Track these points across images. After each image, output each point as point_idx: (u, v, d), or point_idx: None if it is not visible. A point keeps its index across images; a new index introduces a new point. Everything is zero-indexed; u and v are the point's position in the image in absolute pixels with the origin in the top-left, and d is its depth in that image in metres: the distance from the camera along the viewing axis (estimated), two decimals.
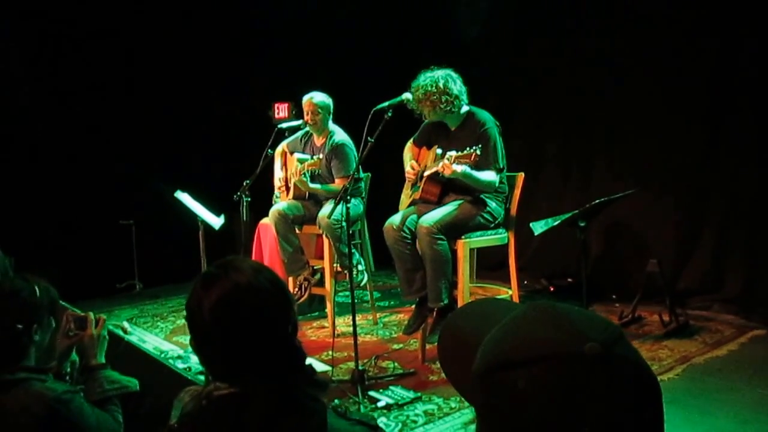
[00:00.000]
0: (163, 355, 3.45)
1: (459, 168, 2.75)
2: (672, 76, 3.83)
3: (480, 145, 2.75)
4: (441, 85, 2.93)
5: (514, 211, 3.15)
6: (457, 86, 2.98)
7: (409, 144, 3.32)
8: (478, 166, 2.83)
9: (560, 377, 0.53)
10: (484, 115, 3.04)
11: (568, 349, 0.54)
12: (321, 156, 3.63)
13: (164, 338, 3.82)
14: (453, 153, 2.78)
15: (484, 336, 0.62)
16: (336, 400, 2.72)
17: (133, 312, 4.43)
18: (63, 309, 1.66)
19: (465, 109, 3.06)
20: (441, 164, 2.80)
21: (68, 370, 1.65)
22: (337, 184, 3.65)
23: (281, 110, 5.14)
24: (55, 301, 1.57)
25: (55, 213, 4.61)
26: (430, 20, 4.99)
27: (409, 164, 3.19)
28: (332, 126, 3.76)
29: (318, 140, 3.80)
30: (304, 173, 3.58)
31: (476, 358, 0.60)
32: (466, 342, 0.65)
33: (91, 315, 1.68)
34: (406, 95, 2.94)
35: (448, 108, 2.96)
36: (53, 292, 1.56)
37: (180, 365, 3.08)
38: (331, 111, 3.74)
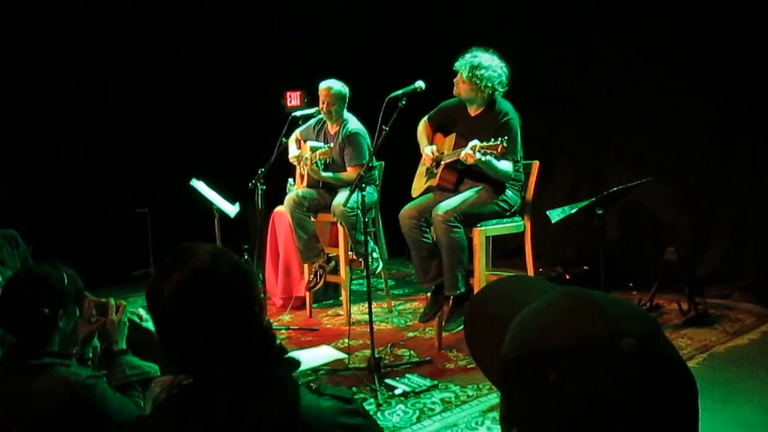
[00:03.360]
0: None
1: (483, 158, 2.73)
2: (689, 64, 3.75)
3: (506, 137, 2.73)
4: (504, 79, 2.97)
5: (529, 198, 3.12)
6: (504, 85, 3.00)
7: (424, 121, 3.27)
8: (499, 157, 2.82)
9: (594, 373, 0.52)
10: (507, 106, 3.02)
11: (604, 344, 0.52)
12: (332, 144, 3.61)
13: None
14: (477, 142, 2.76)
15: (513, 315, 0.60)
16: (354, 388, 2.72)
17: None
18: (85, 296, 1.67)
19: None
20: (464, 153, 2.77)
21: (90, 355, 1.67)
22: (350, 172, 3.63)
23: (293, 98, 5.12)
24: (81, 291, 1.59)
25: (72, 201, 4.64)
26: (442, 7, 4.93)
27: (428, 149, 3.15)
28: (346, 114, 3.73)
29: (332, 128, 3.78)
30: (316, 162, 3.56)
31: (505, 342, 0.58)
32: (494, 321, 0.63)
33: (112, 301, 1.69)
34: (419, 83, 2.91)
35: (485, 96, 2.97)
36: (80, 281, 1.58)
37: None
38: (347, 100, 3.70)
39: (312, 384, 1.01)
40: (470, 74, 2.93)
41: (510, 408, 0.58)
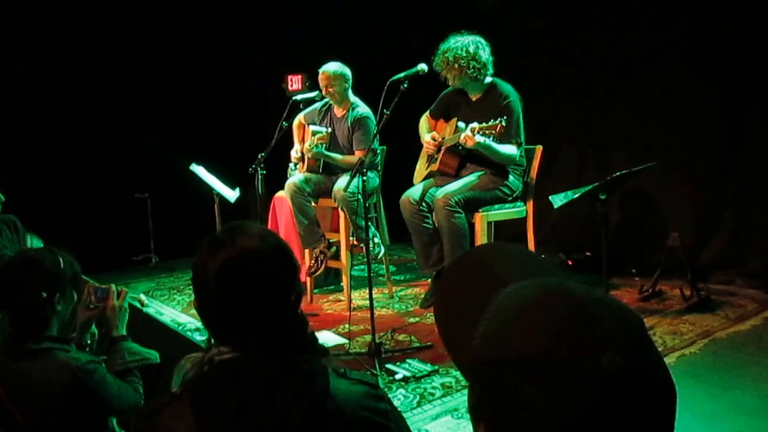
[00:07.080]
0: (180, 328, 3.48)
1: (482, 140, 2.69)
2: (697, 49, 3.69)
3: (505, 117, 2.69)
4: (471, 50, 2.87)
5: (532, 183, 3.10)
6: (486, 54, 2.92)
7: (426, 116, 3.26)
8: (500, 139, 2.77)
9: (570, 390, 0.49)
10: (508, 88, 2.98)
11: (585, 361, 0.50)
12: (330, 130, 3.57)
13: (181, 311, 3.85)
14: (476, 124, 2.72)
15: (490, 294, 0.57)
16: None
17: (150, 285, 4.46)
18: (84, 282, 1.66)
19: (488, 79, 2.99)
20: (463, 135, 2.74)
21: (88, 341, 1.66)
22: (358, 156, 3.60)
23: (294, 82, 5.07)
24: (78, 275, 1.58)
25: (72, 187, 4.63)
26: None
27: (429, 135, 3.13)
28: (354, 98, 3.69)
29: (338, 111, 3.74)
30: (316, 146, 3.54)
31: (479, 333, 0.55)
32: (469, 300, 0.60)
33: (113, 287, 1.68)
34: (422, 66, 2.87)
35: (475, 75, 2.90)
36: (76, 266, 1.58)
37: (198, 338, 3.10)
38: (349, 80, 3.65)
39: (339, 369, 1.03)
40: (443, 59, 2.90)
41: (480, 404, 0.56)
